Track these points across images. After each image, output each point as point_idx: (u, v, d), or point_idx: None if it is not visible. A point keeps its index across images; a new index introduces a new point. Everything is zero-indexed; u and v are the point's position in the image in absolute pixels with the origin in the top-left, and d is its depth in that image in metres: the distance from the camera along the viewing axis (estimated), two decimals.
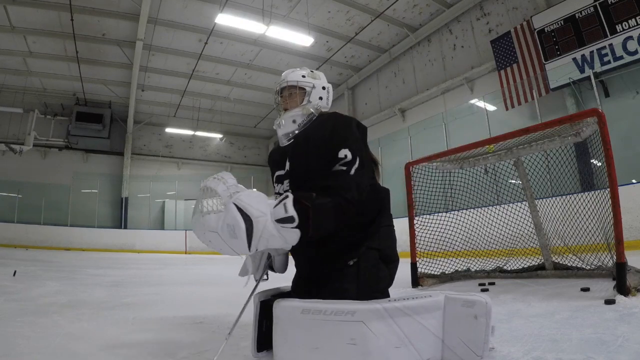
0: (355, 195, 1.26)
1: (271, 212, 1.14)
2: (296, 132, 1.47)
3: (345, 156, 1.29)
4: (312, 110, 1.49)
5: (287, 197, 1.16)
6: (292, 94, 1.54)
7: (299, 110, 1.49)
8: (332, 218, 1.22)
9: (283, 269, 1.42)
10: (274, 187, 1.53)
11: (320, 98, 1.55)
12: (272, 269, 1.41)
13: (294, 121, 1.48)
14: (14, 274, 3.92)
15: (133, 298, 2.78)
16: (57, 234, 11.86)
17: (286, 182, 1.43)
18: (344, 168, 1.29)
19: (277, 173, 1.50)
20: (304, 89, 1.53)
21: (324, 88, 1.57)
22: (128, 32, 9.59)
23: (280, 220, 1.13)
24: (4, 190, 12.47)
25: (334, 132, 1.35)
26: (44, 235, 11.64)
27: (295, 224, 1.13)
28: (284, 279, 1.47)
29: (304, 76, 1.55)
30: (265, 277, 1.39)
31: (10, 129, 12.38)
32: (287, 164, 1.44)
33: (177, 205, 14.49)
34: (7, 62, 10.73)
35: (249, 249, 1.11)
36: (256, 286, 1.36)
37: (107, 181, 13.90)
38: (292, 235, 1.14)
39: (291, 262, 1.45)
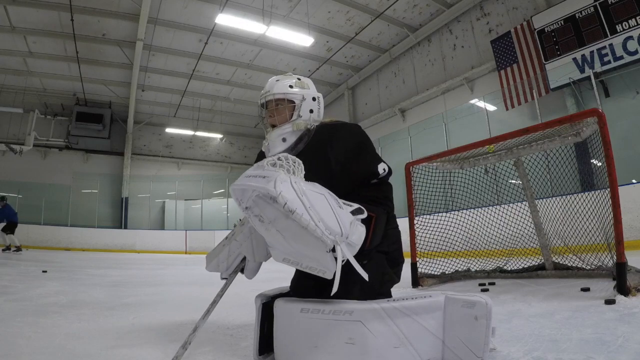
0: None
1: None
2: (291, 150, 1.33)
3: (385, 170, 1.31)
4: (304, 127, 1.35)
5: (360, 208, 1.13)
6: (280, 107, 1.37)
7: (288, 126, 1.34)
8: (383, 227, 1.26)
9: (252, 275, 1.38)
10: None
11: (311, 111, 1.38)
12: (242, 272, 1.38)
13: (283, 140, 1.34)
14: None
15: (133, 298, 2.78)
16: (57, 234, 11.86)
17: None
18: (383, 179, 1.32)
19: None
20: (292, 101, 1.37)
21: (314, 99, 1.39)
22: (128, 32, 9.59)
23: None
24: (4, 190, 12.44)
25: (361, 152, 1.31)
26: (44, 235, 11.64)
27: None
28: (285, 281, 1.47)
29: (291, 86, 1.37)
30: (231, 278, 1.36)
31: (10, 129, 12.38)
32: None
33: (177, 205, 14.50)
34: (7, 62, 10.73)
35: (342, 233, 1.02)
36: (226, 286, 1.33)
37: (107, 181, 13.90)
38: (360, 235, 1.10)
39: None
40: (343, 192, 1.26)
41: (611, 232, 2.21)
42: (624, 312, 1.68)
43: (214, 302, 1.28)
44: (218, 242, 1.42)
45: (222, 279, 1.37)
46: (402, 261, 1.39)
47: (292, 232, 1.02)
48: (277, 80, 1.40)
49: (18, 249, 8.23)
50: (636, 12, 5.88)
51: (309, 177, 1.27)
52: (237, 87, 12.91)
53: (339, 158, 1.26)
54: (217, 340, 1.53)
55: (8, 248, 8.33)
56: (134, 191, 14.13)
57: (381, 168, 1.31)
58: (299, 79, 1.41)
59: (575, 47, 6.63)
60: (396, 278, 1.36)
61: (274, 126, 1.38)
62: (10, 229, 8.36)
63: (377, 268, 1.27)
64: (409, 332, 1.08)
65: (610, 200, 2.18)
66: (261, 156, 1.53)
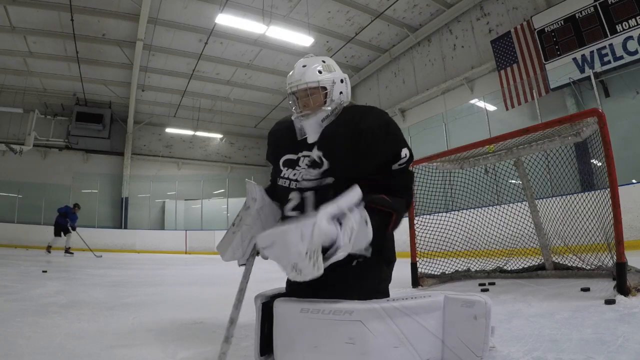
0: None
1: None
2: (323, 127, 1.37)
3: (406, 155, 1.32)
4: (336, 108, 1.40)
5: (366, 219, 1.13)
6: (313, 94, 1.39)
7: (323, 114, 1.38)
8: (400, 222, 1.30)
9: None
10: (281, 170, 1.40)
11: (341, 93, 1.42)
12: (258, 254, 1.38)
13: (320, 123, 1.38)
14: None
15: (133, 298, 2.78)
16: None
17: (310, 170, 1.31)
18: (405, 166, 1.33)
19: (287, 157, 1.40)
20: (325, 88, 1.39)
21: (342, 81, 1.43)
22: (128, 32, 9.58)
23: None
24: (4, 190, 12.46)
25: (390, 130, 1.32)
26: (44, 235, 11.61)
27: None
28: (285, 281, 1.46)
29: (320, 72, 1.39)
30: (250, 262, 1.35)
31: (10, 129, 12.37)
32: (316, 152, 1.32)
33: (177, 205, 14.49)
34: (7, 62, 10.73)
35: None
36: (247, 272, 1.33)
37: (107, 181, 13.90)
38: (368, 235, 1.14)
39: None
40: (364, 171, 1.28)
41: (611, 232, 2.21)
42: (624, 312, 1.68)
43: (241, 290, 1.27)
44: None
45: (240, 265, 1.36)
46: (394, 260, 1.40)
47: None
48: (304, 66, 1.40)
49: (67, 250, 9.05)
50: (636, 12, 5.88)
51: (337, 151, 1.30)
52: (237, 87, 12.90)
53: (367, 136, 1.27)
54: (217, 340, 1.52)
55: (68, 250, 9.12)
56: (134, 191, 14.12)
57: (404, 152, 1.31)
58: (323, 62, 1.42)
59: (575, 47, 6.63)
60: (390, 276, 1.38)
61: (307, 113, 1.39)
62: (66, 230, 9.29)
63: (374, 267, 1.29)
64: (409, 331, 1.08)
65: (610, 200, 2.18)
66: (273, 135, 1.52)
